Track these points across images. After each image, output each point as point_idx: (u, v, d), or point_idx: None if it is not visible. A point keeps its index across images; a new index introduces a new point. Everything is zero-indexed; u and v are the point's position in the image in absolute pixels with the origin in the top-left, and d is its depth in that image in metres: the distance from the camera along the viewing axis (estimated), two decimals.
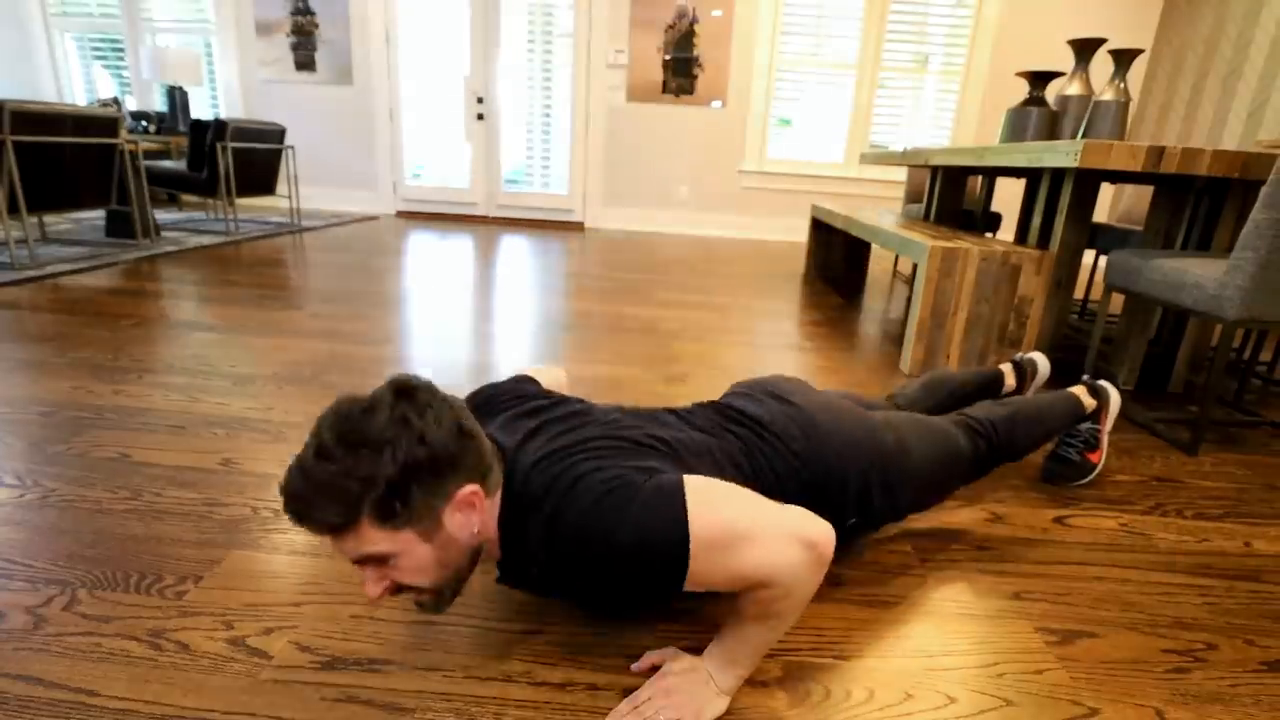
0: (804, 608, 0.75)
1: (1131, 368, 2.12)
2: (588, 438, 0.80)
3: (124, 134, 3.34)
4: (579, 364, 2.05)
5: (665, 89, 5.26)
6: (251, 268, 3.24)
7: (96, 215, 4.50)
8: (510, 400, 0.93)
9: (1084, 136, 2.26)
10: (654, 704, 0.75)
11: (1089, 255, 5.43)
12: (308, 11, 5.23)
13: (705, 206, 5.57)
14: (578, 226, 5.63)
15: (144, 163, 3.71)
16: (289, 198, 5.17)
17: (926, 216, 3.31)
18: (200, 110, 5.56)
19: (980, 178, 3.79)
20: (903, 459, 1.03)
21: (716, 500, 0.72)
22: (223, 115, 5.49)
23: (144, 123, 4.82)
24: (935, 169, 3.22)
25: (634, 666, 0.83)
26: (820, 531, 0.72)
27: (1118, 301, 3.43)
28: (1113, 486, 1.44)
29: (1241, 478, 1.52)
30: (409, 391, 0.69)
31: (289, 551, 1.03)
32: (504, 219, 5.71)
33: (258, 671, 0.79)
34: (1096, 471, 1.43)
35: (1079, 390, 1.44)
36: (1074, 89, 2.32)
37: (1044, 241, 2.23)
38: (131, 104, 5.55)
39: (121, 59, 5.52)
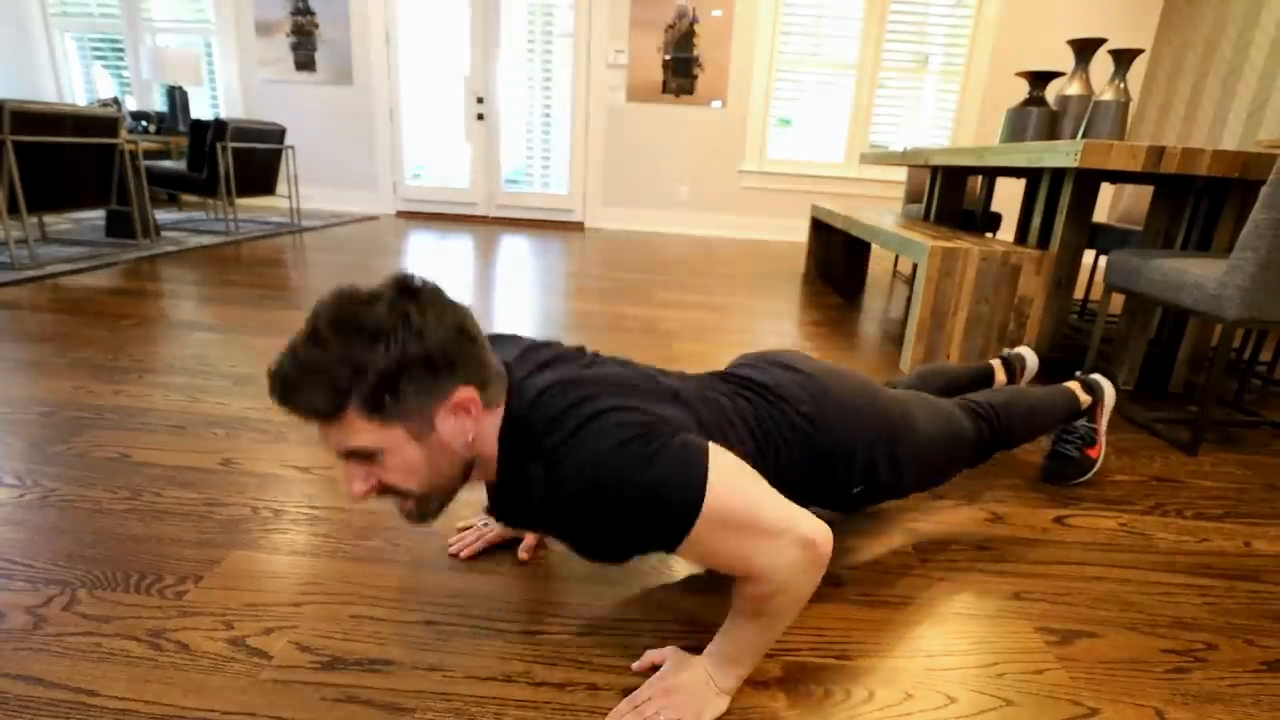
0: (800, 608, 0.75)
1: (1131, 368, 2.12)
2: (605, 375, 0.78)
3: (124, 134, 3.34)
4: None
5: (665, 89, 5.26)
6: (251, 268, 3.24)
7: (96, 215, 4.50)
8: (525, 340, 0.92)
9: (1084, 136, 2.26)
10: (654, 704, 0.75)
11: (1089, 255, 5.43)
12: (308, 11, 5.23)
13: (705, 206, 5.57)
14: (578, 226, 5.63)
15: (144, 163, 3.71)
16: (289, 198, 5.17)
17: (926, 216, 3.31)
18: (200, 110, 5.56)
19: (980, 178, 3.79)
20: (910, 431, 1.02)
21: (735, 479, 0.70)
22: (223, 115, 5.49)
23: (144, 123, 4.82)
24: (935, 169, 3.22)
25: (634, 666, 0.83)
26: (820, 532, 0.71)
27: (1118, 301, 3.43)
28: (1112, 486, 1.44)
29: (1241, 478, 1.52)
30: (412, 289, 0.67)
31: (289, 551, 1.03)
32: (504, 219, 5.71)
33: (258, 671, 0.79)
34: (1096, 468, 1.43)
35: (1074, 386, 1.44)
36: (1074, 89, 2.32)
37: (1044, 241, 2.23)
38: (131, 104, 5.55)
39: (121, 59, 5.52)
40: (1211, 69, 4.41)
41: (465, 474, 0.75)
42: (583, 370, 0.80)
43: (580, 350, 0.91)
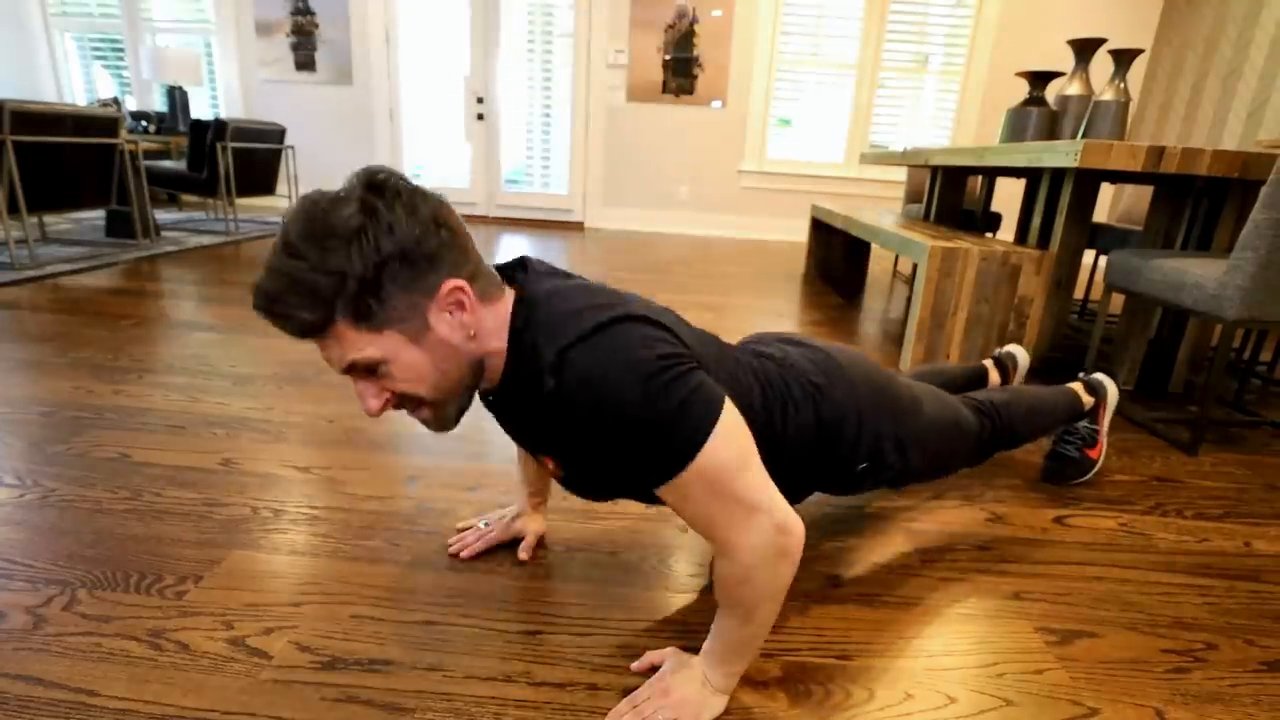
0: (777, 603, 0.73)
1: (1131, 368, 2.12)
2: (629, 299, 0.75)
3: (124, 134, 3.34)
4: None
5: (665, 89, 5.26)
6: (252, 268, 3.24)
7: (96, 215, 4.50)
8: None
9: (1084, 136, 2.26)
10: (653, 704, 0.75)
11: (1089, 255, 5.43)
12: (308, 11, 5.23)
13: (705, 206, 5.57)
14: (578, 226, 5.63)
15: (144, 163, 3.71)
16: (289, 198, 5.17)
17: (926, 216, 3.31)
18: (200, 110, 5.56)
19: (980, 178, 3.79)
20: (916, 414, 1.02)
21: (738, 440, 0.68)
22: (223, 115, 5.49)
23: (144, 123, 4.82)
24: (935, 169, 3.22)
25: (634, 666, 0.83)
26: (794, 523, 0.69)
27: (1118, 301, 3.43)
28: (1113, 486, 1.44)
29: (1241, 478, 1.52)
30: (379, 184, 0.64)
31: (289, 551, 1.03)
32: (504, 219, 5.71)
33: (258, 671, 0.79)
34: (1096, 468, 1.43)
35: (1076, 387, 1.43)
36: (1074, 89, 2.32)
37: (1044, 241, 2.23)
38: (131, 104, 5.55)
39: (121, 59, 5.52)
40: (1211, 69, 4.41)
41: (477, 373, 0.73)
42: (605, 289, 0.77)
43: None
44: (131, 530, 1.06)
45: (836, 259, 3.80)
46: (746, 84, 5.22)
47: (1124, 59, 2.18)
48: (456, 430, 1.51)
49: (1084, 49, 2.31)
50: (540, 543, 1.09)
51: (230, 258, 3.46)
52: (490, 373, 0.75)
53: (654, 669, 0.82)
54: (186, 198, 5.51)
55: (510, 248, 4.35)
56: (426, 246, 0.65)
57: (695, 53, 5.16)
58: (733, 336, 2.46)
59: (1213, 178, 1.83)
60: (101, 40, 5.52)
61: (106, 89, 5.65)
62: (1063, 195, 2.09)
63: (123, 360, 1.85)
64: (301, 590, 0.94)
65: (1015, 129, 2.43)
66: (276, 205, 5.65)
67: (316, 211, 0.62)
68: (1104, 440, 1.43)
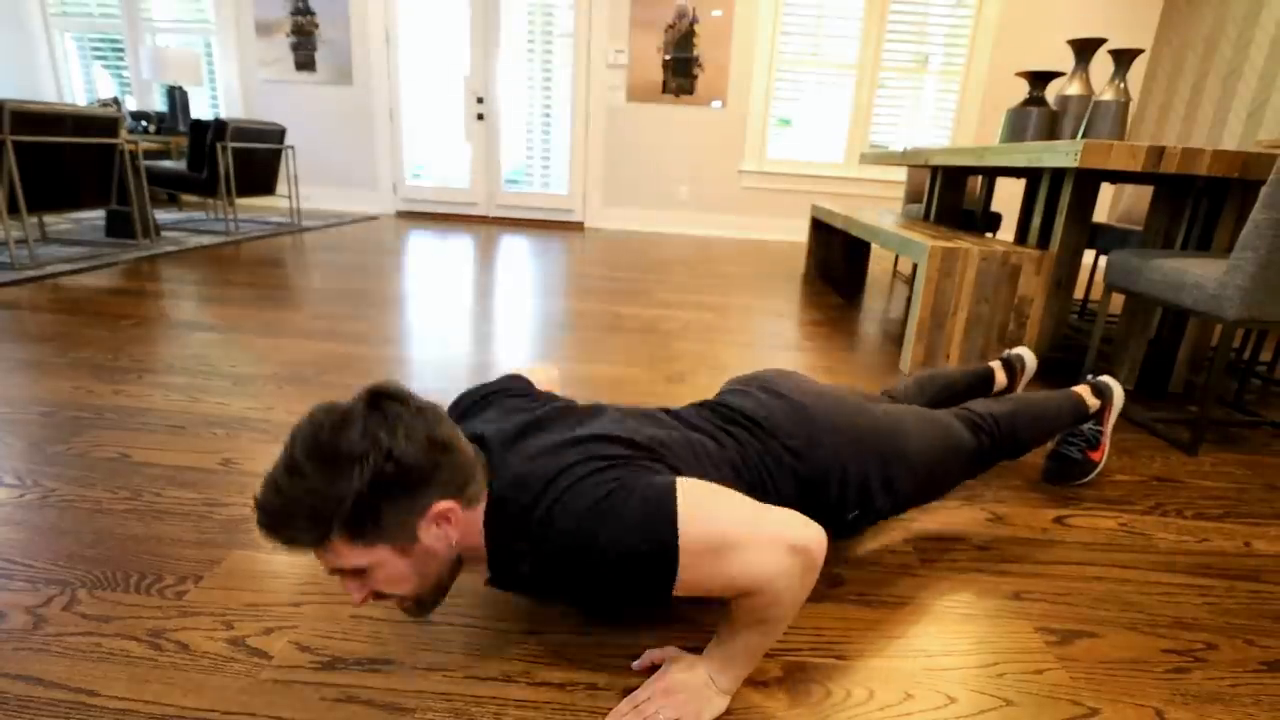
0: (797, 610, 0.75)
1: (1131, 368, 2.12)
2: (582, 437, 0.79)
3: (124, 134, 3.34)
4: (579, 364, 2.05)
5: (665, 89, 5.26)
6: (251, 268, 3.24)
7: (96, 215, 4.50)
8: (501, 398, 0.94)
9: (1084, 136, 2.26)
10: (654, 703, 0.75)
11: (1089, 255, 5.43)
12: (308, 11, 5.23)
13: (705, 206, 5.57)
14: (578, 226, 5.63)
15: (144, 163, 3.71)
16: (289, 198, 5.18)
17: (926, 216, 3.31)
18: (200, 110, 5.57)
19: (980, 178, 3.79)
20: (904, 451, 1.02)
21: (708, 505, 0.72)
22: (223, 115, 5.49)
23: (144, 123, 4.82)
24: (935, 169, 3.22)
25: (634, 665, 0.83)
26: (810, 537, 0.71)
27: (1118, 301, 3.43)
28: (1113, 486, 1.44)
29: (1241, 478, 1.52)
30: (380, 404, 0.69)
31: (289, 552, 1.03)
32: (504, 219, 5.72)
33: (258, 671, 0.79)
34: (1098, 470, 1.43)
35: (1082, 390, 1.43)
36: (1074, 89, 2.32)
37: (1044, 241, 2.23)
38: (131, 104, 5.55)
39: (121, 59, 5.52)
40: (1211, 69, 4.41)
41: (455, 570, 0.78)
42: (562, 432, 0.81)
43: (555, 399, 0.93)
44: (131, 530, 1.06)
45: (836, 259, 3.80)
46: (746, 84, 5.22)
47: (1124, 59, 2.18)
48: None
49: (1084, 49, 2.31)
50: None
51: (230, 258, 3.46)
52: (473, 558, 0.79)
53: (654, 668, 0.82)
54: (186, 198, 5.51)
55: (510, 248, 4.35)
56: (422, 470, 0.69)
57: (695, 53, 5.16)
58: (733, 336, 2.46)
59: (1213, 178, 1.83)
60: (101, 40, 5.52)
61: (106, 89, 5.65)
62: (1063, 195, 2.09)
63: (123, 360, 1.85)
64: (301, 590, 0.94)
65: (1015, 129, 2.43)
66: (277, 205, 5.66)
67: (322, 435, 0.66)
68: (1107, 442, 1.43)
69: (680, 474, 0.80)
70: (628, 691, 0.79)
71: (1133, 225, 3.01)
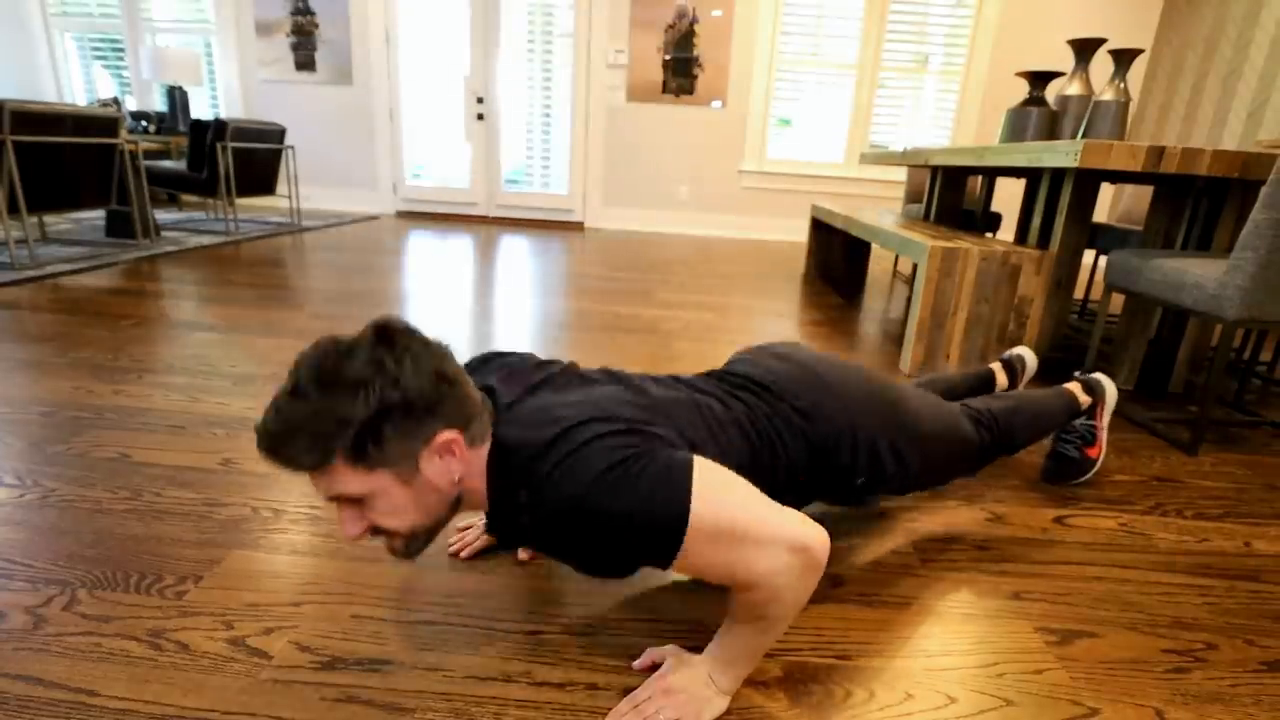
0: (798, 610, 0.75)
1: (1131, 368, 2.12)
2: (596, 399, 0.78)
3: (124, 134, 3.34)
4: (580, 363, 2.04)
5: (665, 89, 5.26)
6: (251, 268, 3.24)
7: (96, 215, 4.50)
8: (508, 359, 0.93)
9: (1084, 136, 2.26)
10: (654, 703, 0.75)
11: (1089, 255, 5.43)
12: (308, 11, 5.23)
13: (705, 206, 5.57)
14: (578, 226, 5.63)
15: (144, 163, 3.71)
16: (289, 198, 5.17)
17: (926, 216, 3.31)
18: (200, 110, 5.57)
19: (980, 178, 3.79)
20: (912, 423, 1.02)
21: (721, 491, 0.71)
22: (223, 115, 5.49)
23: (144, 123, 4.82)
24: (935, 169, 3.22)
25: (635, 663, 0.83)
26: (813, 537, 0.70)
27: (1118, 301, 3.43)
28: (1112, 486, 1.44)
29: (1241, 478, 1.52)
30: (388, 335, 0.69)
31: (289, 551, 1.03)
32: (504, 219, 5.72)
33: (258, 671, 0.79)
34: (1096, 467, 1.43)
35: (1073, 387, 1.43)
36: (1074, 89, 2.32)
37: (1044, 241, 2.23)
38: (131, 104, 5.55)
39: (121, 59, 5.52)
40: (1211, 69, 4.41)
41: (452, 509, 0.77)
42: (570, 392, 0.81)
43: (569, 367, 0.91)
44: (131, 530, 1.06)
45: (836, 259, 3.80)
46: (746, 84, 5.22)
47: (1124, 59, 2.18)
48: None
49: (1084, 49, 2.31)
50: None
51: (230, 258, 3.46)
52: (473, 502, 0.79)
53: (654, 667, 0.82)
54: (186, 198, 5.51)
55: (510, 248, 4.35)
56: (427, 399, 0.69)
57: (695, 53, 5.16)
58: (733, 336, 2.46)
59: (1213, 178, 1.83)
60: (101, 40, 5.52)
61: (106, 89, 5.65)
62: (1063, 195, 2.09)
63: (123, 360, 1.85)
64: (301, 590, 0.94)
65: (1015, 129, 2.43)
66: (277, 205, 5.66)
67: (328, 360, 0.66)
68: (1104, 439, 1.43)
69: (685, 436, 0.80)
70: (628, 691, 0.79)
71: (1133, 225, 3.01)
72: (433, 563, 1.02)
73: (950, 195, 3.15)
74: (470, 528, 1.10)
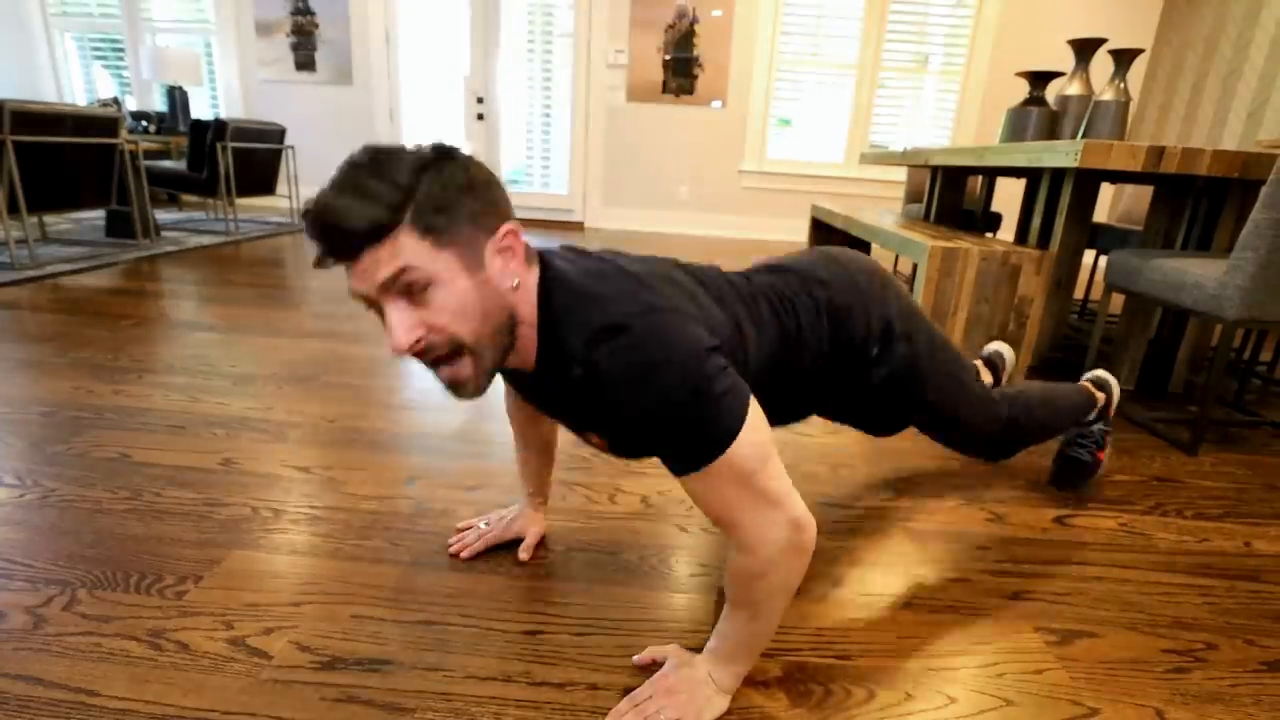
0: (788, 598, 0.74)
1: (1131, 368, 2.12)
2: (654, 269, 0.76)
3: (124, 134, 3.34)
4: None
5: (665, 89, 5.25)
6: (251, 268, 3.24)
7: (96, 215, 4.50)
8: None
9: (1084, 136, 2.26)
10: (654, 703, 0.75)
11: (1089, 255, 5.43)
12: (308, 11, 5.23)
13: (705, 206, 5.57)
14: (578, 226, 5.63)
15: (144, 163, 3.71)
16: (289, 198, 5.17)
17: (926, 216, 3.31)
18: (200, 110, 5.56)
19: (980, 178, 3.79)
20: (927, 325, 1.00)
21: (762, 437, 0.69)
22: (223, 115, 5.49)
23: (144, 123, 4.82)
24: (935, 169, 3.22)
25: (635, 659, 0.83)
26: (810, 522, 0.71)
27: (1118, 301, 3.43)
28: (1112, 486, 1.44)
29: (1241, 478, 1.52)
30: (446, 148, 0.67)
31: (289, 551, 1.03)
32: None
33: (258, 671, 0.79)
34: (1101, 470, 1.42)
35: (1087, 385, 1.39)
36: (1074, 89, 2.32)
37: (1044, 241, 2.23)
38: (131, 104, 5.55)
39: (121, 59, 5.52)
40: (1211, 69, 4.41)
41: (511, 334, 0.71)
42: (632, 260, 0.77)
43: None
44: (131, 530, 1.06)
45: None
46: (746, 84, 5.22)
47: (1124, 59, 2.18)
48: (457, 430, 1.51)
49: (1084, 49, 2.31)
50: (540, 543, 1.09)
51: (230, 258, 3.46)
52: (523, 350, 0.73)
53: (655, 665, 0.82)
54: (186, 198, 5.51)
55: None
56: (489, 186, 0.67)
57: (695, 53, 5.16)
58: None
59: (1213, 178, 1.83)
60: (101, 40, 5.52)
61: (106, 89, 5.65)
62: (1063, 195, 2.09)
63: (123, 360, 1.85)
64: (301, 590, 0.94)
65: (1015, 129, 2.43)
66: (277, 205, 5.65)
67: (387, 146, 0.63)
68: (1109, 442, 1.42)
69: (735, 312, 0.79)
70: (628, 691, 0.79)
71: (1133, 225, 3.01)
72: (433, 563, 1.02)
73: (950, 195, 3.15)
74: (470, 528, 1.10)
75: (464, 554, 1.04)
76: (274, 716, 0.73)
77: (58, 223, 4.17)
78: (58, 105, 2.96)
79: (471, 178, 0.65)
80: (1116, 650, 0.93)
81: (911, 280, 3.43)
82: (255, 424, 1.49)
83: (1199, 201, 2.10)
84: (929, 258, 2.04)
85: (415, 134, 5.53)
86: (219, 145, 3.92)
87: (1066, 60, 5.02)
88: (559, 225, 5.64)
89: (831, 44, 5.16)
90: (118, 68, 5.58)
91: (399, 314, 0.63)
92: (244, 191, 4.22)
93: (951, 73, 5.18)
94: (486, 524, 1.08)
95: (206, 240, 3.86)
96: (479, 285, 0.66)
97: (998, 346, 1.64)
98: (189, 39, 5.42)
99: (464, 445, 1.45)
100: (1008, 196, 5.41)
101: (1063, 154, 1.75)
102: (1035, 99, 2.42)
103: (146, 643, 0.83)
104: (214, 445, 1.38)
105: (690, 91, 5.25)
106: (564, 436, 1.51)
